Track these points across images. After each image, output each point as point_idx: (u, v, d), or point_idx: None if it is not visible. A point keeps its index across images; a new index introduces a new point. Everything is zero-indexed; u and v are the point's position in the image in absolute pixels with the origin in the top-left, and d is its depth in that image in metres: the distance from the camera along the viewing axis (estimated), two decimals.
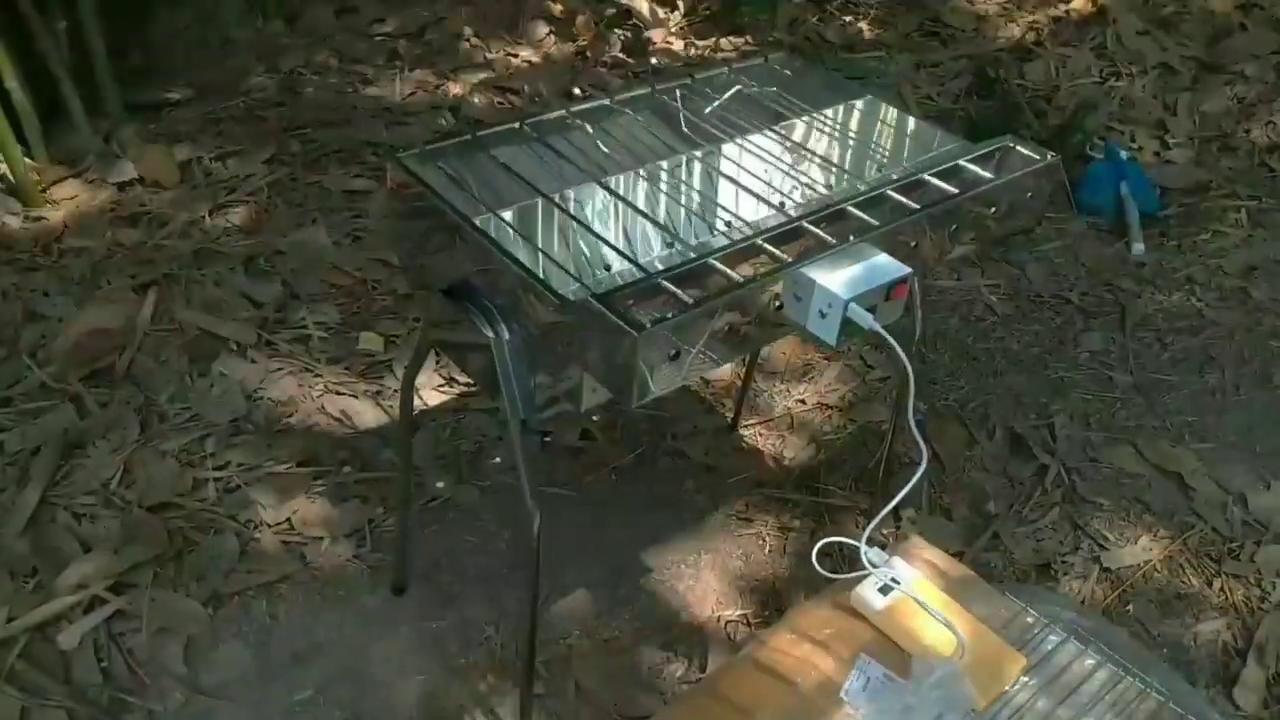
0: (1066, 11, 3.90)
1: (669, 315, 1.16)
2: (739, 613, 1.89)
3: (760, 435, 2.24)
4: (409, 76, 3.39)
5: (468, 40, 3.59)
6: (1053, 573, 1.98)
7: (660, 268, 1.65)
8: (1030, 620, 1.62)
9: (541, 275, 1.52)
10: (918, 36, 3.81)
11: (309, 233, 2.67)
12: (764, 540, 2.02)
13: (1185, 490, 2.17)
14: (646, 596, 1.91)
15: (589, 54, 3.57)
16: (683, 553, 1.99)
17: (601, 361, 1.21)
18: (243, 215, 2.72)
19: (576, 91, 3.36)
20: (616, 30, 3.70)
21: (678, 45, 3.69)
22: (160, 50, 3.41)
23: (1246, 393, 2.41)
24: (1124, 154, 3.07)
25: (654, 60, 3.55)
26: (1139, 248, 2.83)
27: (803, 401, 2.32)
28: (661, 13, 3.85)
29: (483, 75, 3.42)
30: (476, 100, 3.28)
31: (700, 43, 3.71)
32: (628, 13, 3.78)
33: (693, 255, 1.62)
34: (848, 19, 3.89)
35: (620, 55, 3.59)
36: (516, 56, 3.54)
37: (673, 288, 1.22)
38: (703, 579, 1.95)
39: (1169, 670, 1.58)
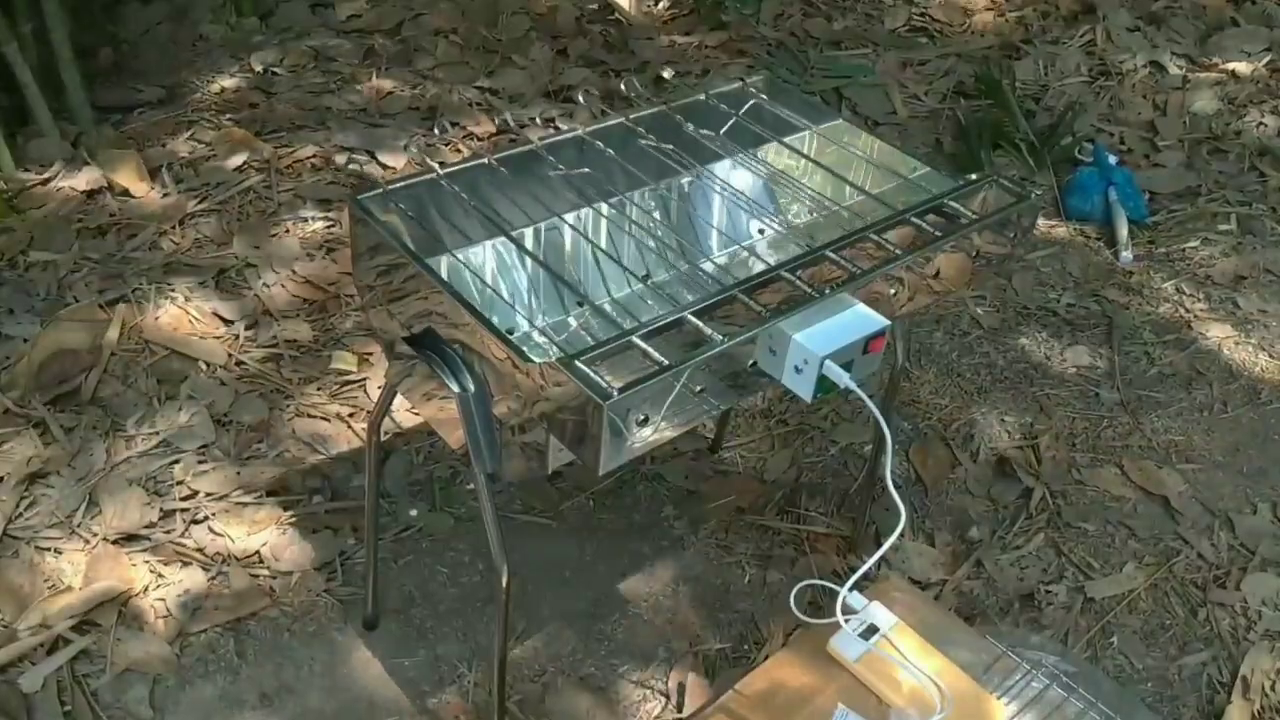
0: (1055, 5, 3.84)
1: (639, 379, 1.12)
2: (718, 647, 1.86)
3: (741, 457, 2.20)
4: (386, 75, 3.32)
5: (446, 37, 3.51)
6: (1036, 603, 1.95)
7: (632, 302, 1.62)
8: (1012, 666, 1.59)
9: (508, 319, 1.48)
10: (904, 32, 3.75)
11: (281, 244, 2.61)
12: (744, 569, 1.99)
13: (1171, 513, 2.14)
14: (624, 630, 1.88)
15: (569, 51, 3.50)
16: (661, 583, 1.96)
17: (567, 426, 1.16)
18: (214, 225, 2.66)
19: (537, 120, 3.29)
20: (598, 27, 3.63)
21: (660, 41, 3.62)
22: (131, 49, 3.34)
23: (1234, 410, 2.38)
24: (1113, 159, 3.03)
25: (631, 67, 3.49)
26: (1127, 256, 2.80)
27: (784, 422, 2.28)
28: (644, 7, 3.78)
29: (461, 74, 3.35)
30: (455, 100, 3.21)
31: (683, 39, 3.65)
32: (609, 8, 3.71)
33: (666, 292, 1.59)
34: (833, 14, 3.83)
35: (601, 52, 3.52)
36: (496, 54, 3.47)
37: (645, 346, 1.18)
38: (681, 611, 1.91)
39: (1153, 716, 1.56)
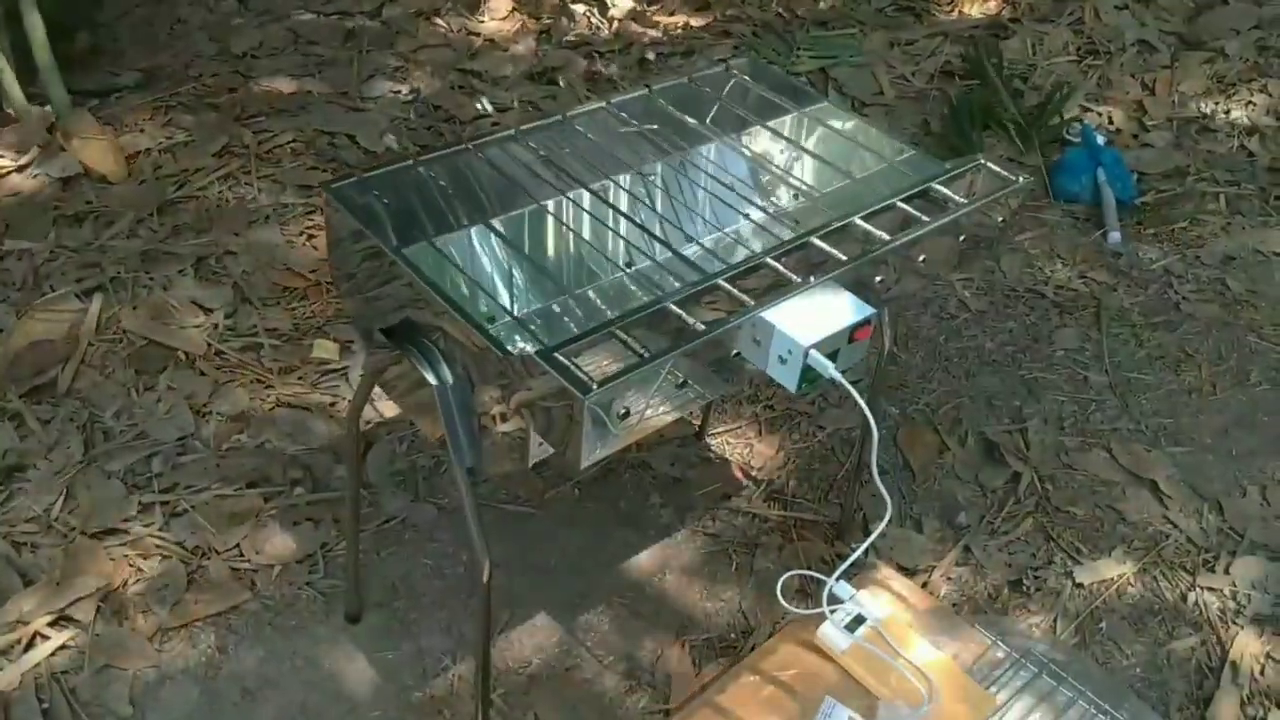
0: None
1: (619, 372, 1.09)
2: (704, 637, 1.84)
3: (728, 444, 2.18)
4: (367, 58, 3.27)
5: (427, 18, 3.47)
6: (1025, 589, 1.94)
7: (616, 290, 1.59)
8: (1001, 655, 1.58)
9: (489, 308, 1.46)
10: (891, 11, 3.72)
11: (261, 231, 2.58)
12: (730, 558, 1.97)
13: (1160, 497, 2.13)
14: (609, 621, 1.86)
15: (552, 33, 3.46)
16: (647, 573, 1.94)
17: (546, 419, 1.14)
18: (192, 212, 2.62)
19: (529, 95, 3.25)
20: (581, 8, 3.59)
21: (644, 21, 3.58)
22: (108, 32, 3.29)
23: (1223, 392, 2.37)
24: (1101, 139, 3.00)
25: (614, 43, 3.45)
26: (1115, 237, 2.78)
27: (771, 407, 2.26)
28: None
29: (443, 56, 3.31)
30: (437, 84, 3.17)
31: (667, 19, 3.61)
32: None
33: (649, 280, 1.56)
34: None
35: (584, 34, 3.48)
36: (479, 36, 3.43)
37: (625, 336, 1.15)
38: (667, 601, 1.90)
39: (1141, 704, 1.55)
